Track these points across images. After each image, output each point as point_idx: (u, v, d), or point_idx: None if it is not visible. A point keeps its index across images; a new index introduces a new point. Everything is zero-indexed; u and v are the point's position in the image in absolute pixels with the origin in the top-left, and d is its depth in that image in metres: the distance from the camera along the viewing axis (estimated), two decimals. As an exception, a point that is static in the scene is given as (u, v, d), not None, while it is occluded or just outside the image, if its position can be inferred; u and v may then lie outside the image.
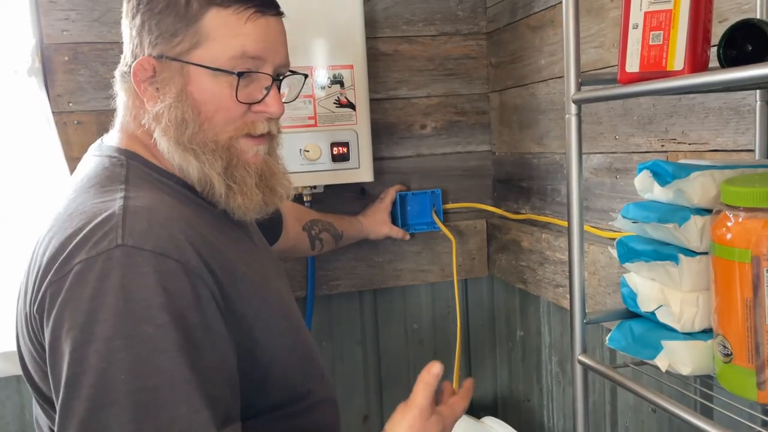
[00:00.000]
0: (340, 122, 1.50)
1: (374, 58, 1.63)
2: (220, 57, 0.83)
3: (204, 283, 0.76)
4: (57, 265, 0.74)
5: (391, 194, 1.62)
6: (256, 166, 0.89)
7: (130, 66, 0.86)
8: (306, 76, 0.99)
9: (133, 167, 0.85)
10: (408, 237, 1.63)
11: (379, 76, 1.65)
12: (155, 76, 0.85)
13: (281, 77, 0.92)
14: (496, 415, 1.66)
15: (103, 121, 1.48)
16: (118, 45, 1.46)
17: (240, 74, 0.84)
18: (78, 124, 1.48)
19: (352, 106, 1.51)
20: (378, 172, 1.59)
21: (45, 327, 0.75)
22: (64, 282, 0.73)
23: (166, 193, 0.84)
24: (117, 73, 0.90)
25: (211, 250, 0.80)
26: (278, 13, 0.89)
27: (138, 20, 0.85)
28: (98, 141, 0.93)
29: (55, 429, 0.72)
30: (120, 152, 0.87)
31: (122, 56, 0.90)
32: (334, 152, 1.50)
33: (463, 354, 1.80)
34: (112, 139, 0.91)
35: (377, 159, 1.61)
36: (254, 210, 0.90)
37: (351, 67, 1.50)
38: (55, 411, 0.82)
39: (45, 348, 0.76)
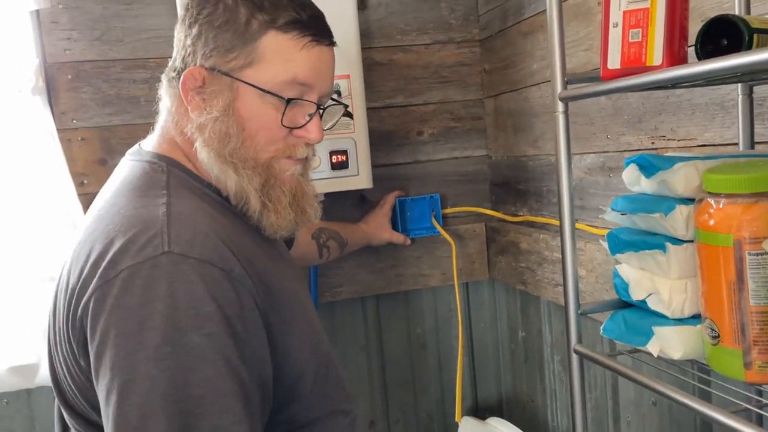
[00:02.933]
0: (338, 131, 1.53)
1: (370, 67, 1.66)
2: (271, 80, 0.84)
3: (247, 291, 0.77)
4: (101, 270, 0.74)
5: (390, 200, 1.65)
6: (290, 186, 0.90)
7: (180, 73, 0.86)
8: (346, 106, 1.02)
9: (173, 174, 0.85)
10: (409, 242, 1.66)
11: (375, 85, 1.68)
12: (204, 86, 0.85)
13: (325, 106, 0.93)
14: (501, 416, 1.68)
15: (107, 137, 1.52)
16: (120, 62, 1.52)
17: (289, 100, 0.86)
18: (82, 141, 1.51)
19: (349, 114, 1.53)
20: (377, 179, 1.62)
21: (90, 333, 0.74)
22: (111, 288, 0.73)
23: (205, 201, 0.84)
24: (164, 77, 0.90)
25: (249, 259, 0.80)
26: (332, 44, 0.90)
27: (195, 30, 0.86)
28: (136, 146, 0.93)
29: None
30: (160, 158, 0.87)
31: (171, 61, 0.90)
32: (333, 160, 1.53)
33: (466, 357, 1.83)
34: (151, 144, 0.91)
35: (376, 166, 1.64)
36: (286, 229, 0.90)
37: (348, 77, 1.53)
38: (84, 421, 0.83)
39: (85, 354, 0.76)
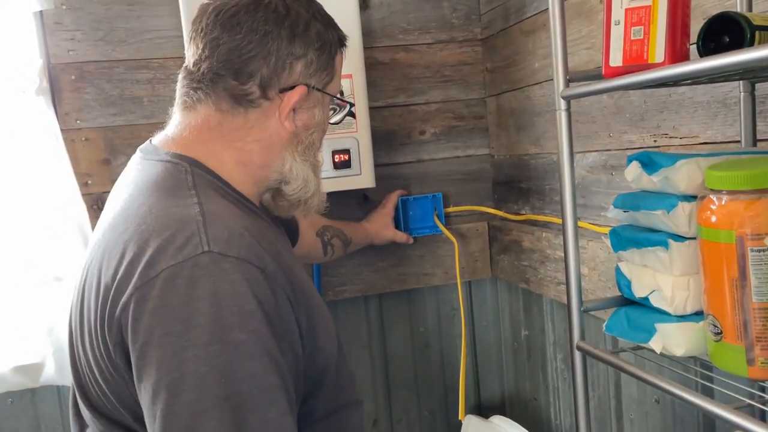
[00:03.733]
0: (341, 130, 1.53)
1: (372, 67, 1.67)
2: (337, 89, 0.98)
3: (281, 288, 0.79)
4: (140, 270, 0.75)
5: (392, 199, 1.65)
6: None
7: (264, 87, 0.89)
8: (351, 104, 1.11)
9: (197, 174, 0.86)
10: (411, 241, 1.66)
11: (378, 84, 1.69)
12: (300, 103, 0.91)
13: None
14: (504, 415, 1.68)
15: (110, 138, 1.53)
16: (123, 63, 1.52)
17: (351, 104, 1.07)
18: (86, 141, 1.52)
19: (352, 114, 1.54)
20: (379, 178, 1.62)
21: (131, 334, 0.74)
22: (151, 288, 0.74)
23: (230, 201, 0.86)
24: (223, 91, 0.89)
25: (278, 258, 0.82)
26: None
27: (298, 49, 0.90)
28: (148, 144, 0.93)
29: None
30: (181, 158, 0.88)
31: (231, 74, 0.89)
32: (336, 160, 1.53)
33: (469, 355, 1.83)
34: (171, 144, 0.90)
35: (378, 165, 1.65)
36: (322, 210, 1.03)
37: (350, 76, 1.53)
38: (109, 422, 0.83)
39: (123, 355, 0.76)
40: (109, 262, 0.79)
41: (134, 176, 0.90)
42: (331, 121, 1.03)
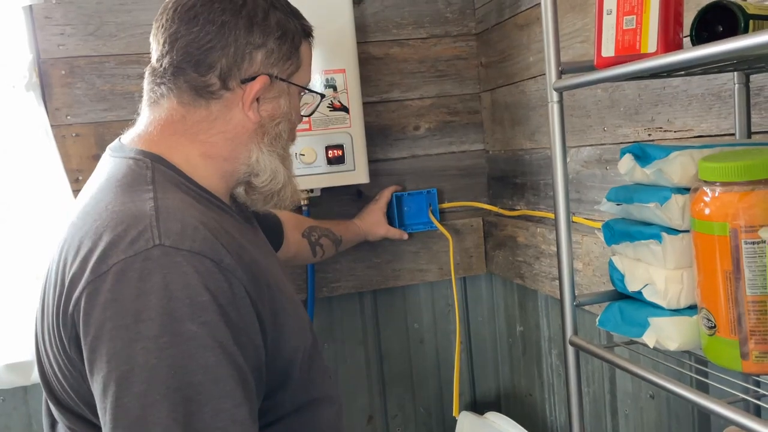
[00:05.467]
0: (334, 125, 1.52)
1: (366, 61, 1.65)
2: (306, 79, 0.98)
3: (238, 280, 0.79)
4: (92, 265, 0.75)
5: (386, 195, 1.64)
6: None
7: (224, 78, 0.88)
8: (322, 96, 1.10)
9: (158, 170, 0.86)
10: (406, 237, 1.65)
11: (372, 79, 1.68)
12: (263, 93, 0.91)
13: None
14: (499, 411, 1.67)
15: (101, 133, 1.51)
16: (113, 57, 1.51)
17: (322, 95, 1.07)
18: (76, 137, 1.50)
19: (345, 109, 1.53)
20: (373, 173, 1.61)
21: (83, 328, 0.75)
22: (103, 282, 0.74)
23: (190, 195, 0.86)
24: (185, 84, 0.89)
25: (238, 251, 0.82)
26: None
27: (257, 39, 0.89)
28: (116, 142, 0.94)
29: (105, 426, 0.72)
30: (144, 154, 0.88)
31: (191, 67, 0.89)
32: (330, 155, 1.52)
33: (464, 351, 1.82)
34: (136, 140, 0.91)
35: (372, 161, 1.64)
36: (297, 201, 1.04)
37: (343, 71, 1.52)
38: (74, 416, 0.83)
39: (77, 350, 0.76)
40: (66, 258, 0.80)
41: (99, 174, 0.90)
42: (303, 113, 1.03)
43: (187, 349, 0.73)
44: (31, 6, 1.44)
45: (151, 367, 0.71)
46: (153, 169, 0.86)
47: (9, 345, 1.44)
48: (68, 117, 1.50)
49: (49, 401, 0.88)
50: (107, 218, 0.78)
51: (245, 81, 0.90)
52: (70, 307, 0.76)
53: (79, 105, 1.50)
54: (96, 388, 0.74)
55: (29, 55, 1.43)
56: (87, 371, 0.75)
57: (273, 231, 1.30)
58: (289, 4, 0.96)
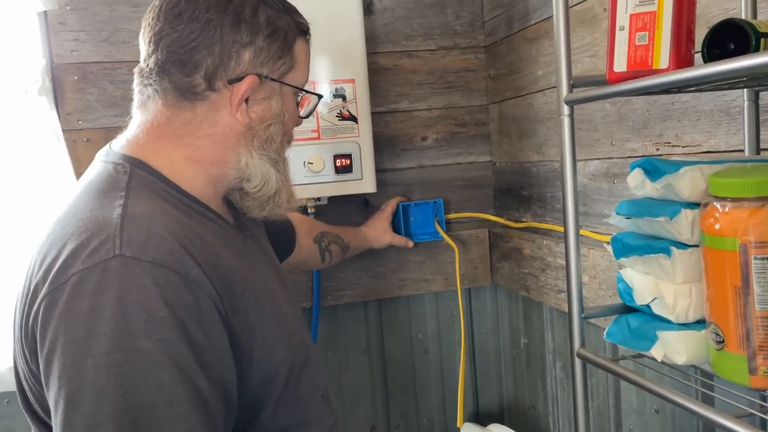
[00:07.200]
0: (343, 135, 1.53)
1: (375, 72, 1.67)
2: (301, 79, 0.93)
3: (206, 294, 0.75)
4: (52, 275, 0.72)
5: (391, 205, 1.65)
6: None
7: (209, 79, 0.85)
8: (320, 96, 1.06)
9: (136, 174, 0.83)
10: (411, 244, 1.65)
11: (380, 89, 1.69)
12: (252, 93, 0.87)
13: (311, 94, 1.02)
14: (502, 423, 1.67)
15: (111, 138, 1.50)
16: (126, 64, 1.52)
17: (319, 96, 1.01)
18: (87, 142, 1.51)
19: (354, 119, 1.54)
20: (381, 183, 1.62)
21: (39, 341, 0.72)
22: (61, 294, 0.71)
23: (169, 203, 0.82)
24: (170, 85, 0.86)
25: (213, 262, 0.78)
26: None
27: (245, 37, 0.85)
28: (106, 147, 0.91)
29: None
30: (125, 159, 0.85)
31: (176, 67, 0.85)
32: (337, 164, 1.53)
33: (468, 362, 1.82)
34: (121, 145, 0.88)
35: (380, 171, 1.65)
36: (294, 207, 0.99)
37: (353, 81, 1.53)
38: (46, 428, 0.80)
39: (36, 362, 0.74)
40: (33, 266, 0.77)
41: (81, 180, 0.87)
42: (301, 114, 0.99)
43: (140, 367, 0.69)
44: (45, 12, 1.46)
45: (100, 385, 0.68)
46: (131, 174, 0.82)
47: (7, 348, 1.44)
48: (80, 122, 1.51)
49: (24, 410, 0.85)
50: (74, 226, 0.76)
51: (232, 81, 0.85)
52: (30, 319, 0.73)
53: (91, 110, 1.51)
54: (50, 403, 0.71)
55: (42, 60, 1.44)
56: (43, 385, 0.72)
57: (285, 236, 1.28)
58: (282, 0, 0.91)
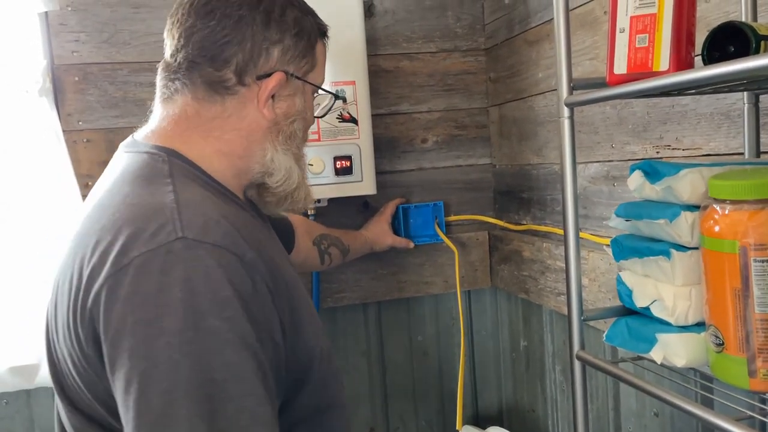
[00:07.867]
0: (343, 136, 1.53)
1: (376, 74, 1.67)
2: (320, 78, 0.97)
3: (260, 276, 0.77)
4: (112, 258, 0.73)
5: (391, 207, 1.65)
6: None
7: (240, 73, 0.87)
8: (336, 96, 1.13)
9: (174, 164, 0.85)
10: (412, 245, 1.65)
11: (381, 91, 1.69)
12: (279, 90, 0.90)
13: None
14: (501, 426, 1.67)
15: (111, 139, 1.52)
16: (126, 65, 1.52)
17: (336, 96, 1.07)
18: (87, 142, 1.52)
19: (354, 121, 1.54)
20: (381, 185, 1.62)
21: (103, 323, 0.73)
22: (124, 276, 0.72)
23: (209, 190, 0.85)
24: (200, 79, 0.88)
25: (258, 246, 0.80)
26: None
27: (274, 35, 0.89)
28: (129, 138, 0.93)
29: (128, 423, 0.70)
30: (159, 149, 0.86)
31: (207, 61, 0.88)
32: (337, 166, 1.53)
33: (467, 365, 1.82)
34: (150, 136, 0.90)
35: (380, 173, 1.65)
36: (309, 206, 1.05)
37: (353, 83, 1.53)
38: (86, 419, 0.81)
39: (95, 346, 0.74)
40: (82, 252, 0.78)
41: (112, 170, 0.89)
42: (316, 113, 1.03)
43: (211, 344, 0.71)
44: (46, 12, 1.46)
45: (174, 362, 0.69)
46: (170, 163, 0.84)
47: (13, 348, 1.44)
48: (80, 123, 1.51)
49: (61, 404, 0.86)
50: (126, 211, 0.77)
51: (261, 77, 0.89)
52: (89, 302, 0.74)
53: (91, 111, 1.51)
54: (118, 385, 0.72)
55: (43, 61, 1.45)
56: (107, 367, 0.73)
57: (284, 235, 1.29)
58: (304, 2, 0.95)
